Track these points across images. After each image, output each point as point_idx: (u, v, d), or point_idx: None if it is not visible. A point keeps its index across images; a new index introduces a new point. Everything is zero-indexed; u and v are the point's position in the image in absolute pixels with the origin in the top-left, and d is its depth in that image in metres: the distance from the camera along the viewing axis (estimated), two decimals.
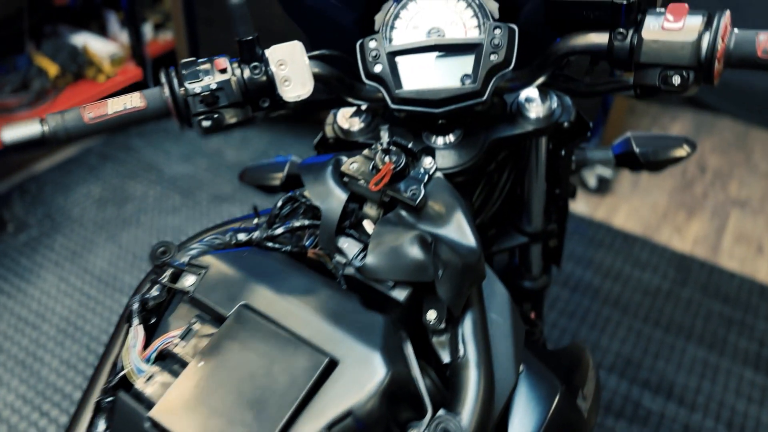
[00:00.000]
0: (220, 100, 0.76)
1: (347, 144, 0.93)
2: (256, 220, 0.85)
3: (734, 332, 2.16)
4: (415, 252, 0.73)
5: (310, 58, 0.83)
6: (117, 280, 2.22)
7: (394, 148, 0.76)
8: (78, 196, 2.56)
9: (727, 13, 0.68)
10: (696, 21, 0.66)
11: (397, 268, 0.74)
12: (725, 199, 2.77)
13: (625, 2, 0.68)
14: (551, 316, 2.22)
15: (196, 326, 0.70)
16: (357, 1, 0.86)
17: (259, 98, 0.78)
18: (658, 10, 0.69)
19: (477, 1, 0.80)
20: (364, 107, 0.89)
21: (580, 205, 2.67)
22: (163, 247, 0.86)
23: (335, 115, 0.94)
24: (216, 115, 0.76)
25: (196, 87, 0.75)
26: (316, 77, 0.82)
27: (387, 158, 0.77)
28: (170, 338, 0.70)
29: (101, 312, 2.11)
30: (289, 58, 0.77)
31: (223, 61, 0.76)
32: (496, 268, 1.27)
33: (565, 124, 0.89)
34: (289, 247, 0.82)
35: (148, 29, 2.93)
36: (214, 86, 0.75)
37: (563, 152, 0.95)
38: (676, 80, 0.67)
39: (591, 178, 2.71)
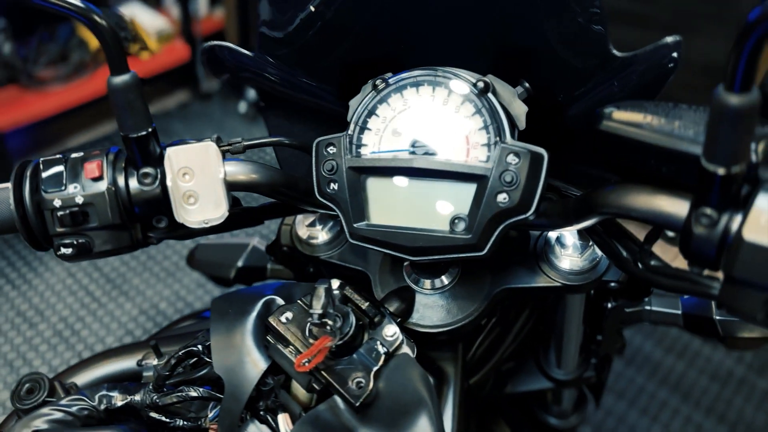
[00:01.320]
0: (91, 218, 0.52)
1: (307, 258, 0.68)
2: (155, 361, 0.62)
3: None
4: None
5: (231, 155, 0.57)
6: (125, 282, 2.06)
7: (330, 321, 0.51)
8: None
9: None
10: None
11: None
12: None
13: (720, 172, 0.39)
14: None
15: None
16: (328, 73, 0.60)
17: (150, 216, 0.54)
18: None
19: (492, 106, 0.52)
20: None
21: None
22: (30, 383, 0.64)
23: (294, 218, 0.69)
24: (82, 240, 0.52)
25: (55, 199, 0.51)
26: (254, 187, 0.57)
27: (327, 327, 0.52)
28: None
29: (101, 317, 1.96)
30: (198, 166, 0.52)
31: (96, 167, 0.51)
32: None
33: (612, 284, 0.61)
34: (180, 422, 0.58)
35: (202, 4, 2.73)
36: (80, 200, 0.51)
37: (609, 306, 0.67)
38: None
39: None
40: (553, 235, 0.61)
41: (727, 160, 0.39)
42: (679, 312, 0.70)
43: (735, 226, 0.40)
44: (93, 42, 2.46)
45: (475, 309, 0.60)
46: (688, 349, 2.00)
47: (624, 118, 0.46)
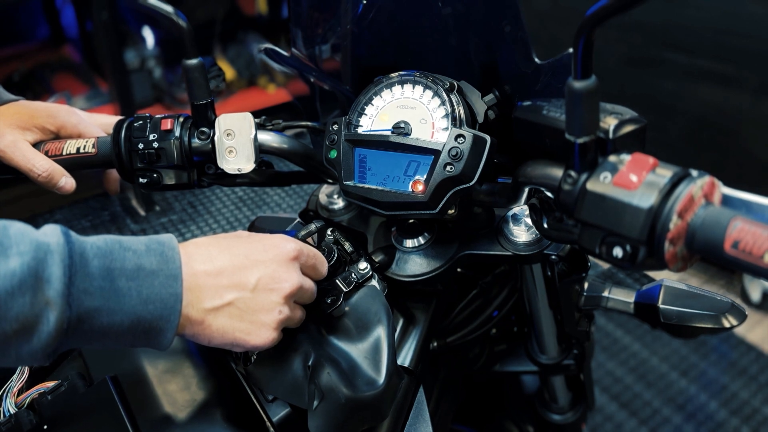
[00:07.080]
0: (161, 159, 0.74)
1: (328, 221, 0.86)
2: None
3: None
4: (293, 370, 0.65)
5: (272, 130, 0.78)
6: None
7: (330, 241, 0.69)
8: (223, 192, 2.75)
9: (707, 178, 0.50)
10: (658, 181, 0.50)
11: (275, 383, 0.66)
12: None
13: (578, 141, 0.53)
14: None
15: (66, 385, 0.68)
16: (348, 74, 0.79)
17: (203, 164, 0.75)
18: (622, 157, 0.53)
19: (454, 100, 0.68)
20: None
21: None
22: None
23: (320, 188, 0.87)
24: (154, 175, 0.74)
25: (139, 143, 0.74)
26: (282, 153, 0.77)
27: None
28: (43, 389, 0.69)
29: None
30: (238, 129, 0.73)
31: (169, 122, 0.73)
32: (526, 389, 1.10)
33: (553, 257, 0.73)
34: None
35: (326, 47, 3.06)
36: (155, 145, 0.73)
37: (558, 285, 0.79)
38: (617, 252, 0.51)
39: (755, 291, 2.30)
40: (510, 215, 0.75)
41: (579, 132, 0.53)
42: (632, 301, 0.79)
43: (584, 183, 0.53)
44: (228, 74, 2.84)
45: (441, 265, 0.74)
46: (756, 415, 1.95)
47: (529, 108, 0.61)
